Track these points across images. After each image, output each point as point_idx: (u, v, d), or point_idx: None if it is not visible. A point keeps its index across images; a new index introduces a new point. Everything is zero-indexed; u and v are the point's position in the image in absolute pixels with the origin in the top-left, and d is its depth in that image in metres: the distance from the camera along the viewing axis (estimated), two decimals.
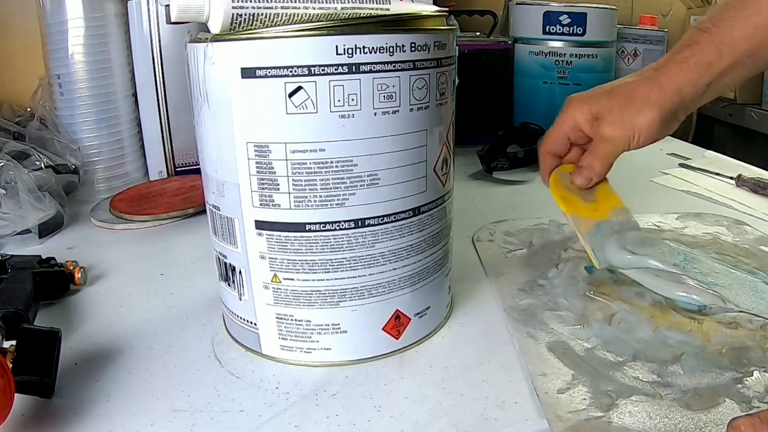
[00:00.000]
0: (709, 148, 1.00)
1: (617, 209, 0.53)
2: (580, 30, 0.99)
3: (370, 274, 0.42)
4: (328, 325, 0.43)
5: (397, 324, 0.45)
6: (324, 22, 0.38)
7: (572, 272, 0.56)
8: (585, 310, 0.50)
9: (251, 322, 0.45)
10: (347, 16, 0.39)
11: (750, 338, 0.45)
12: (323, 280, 0.42)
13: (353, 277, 0.42)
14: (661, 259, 0.50)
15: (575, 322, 0.48)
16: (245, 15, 0.37)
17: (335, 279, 0.42)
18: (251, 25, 0.38)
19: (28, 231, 0.66)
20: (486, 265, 0.59)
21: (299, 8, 0.38)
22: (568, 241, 0.63)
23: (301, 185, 0.39)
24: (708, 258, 0.51)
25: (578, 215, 0.51)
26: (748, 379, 0.41)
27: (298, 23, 0.38)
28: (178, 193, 0.79)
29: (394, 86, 0.39)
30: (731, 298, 0.48)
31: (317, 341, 0.43)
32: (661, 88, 0.49)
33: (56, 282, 0.55)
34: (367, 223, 0.41)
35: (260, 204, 0.40)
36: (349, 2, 0.39)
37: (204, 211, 0.52)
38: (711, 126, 1.42)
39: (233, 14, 0.37)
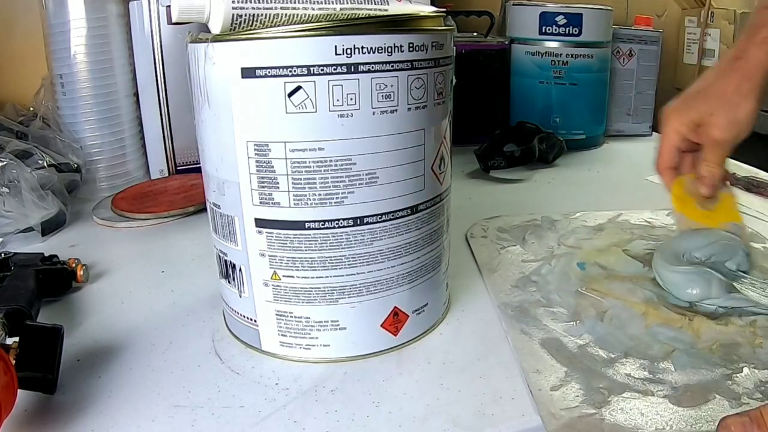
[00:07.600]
0: None
1: (732, 224, 0.54)
2: (576, 30, 0.99)
3: (368, 272, 0.43)
4: (327, 321, 0.43)
5: (395, 321, 0.45)
6: (323, 23, 0.39)
7: (565, 269, 0.57)
8: (577, 306, 0.50)
9: (251, 319, 0.45)
10: (346, 16, 0.40)
11: (739, 334, 0.46)
12: (322, 277, 0.42)
13: (352, 274, 0.42)
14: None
15: (568, 319, 0.49)
16: (245, 15, 0.38)
17: (334, 276, 0.42)
18: (251, 26, 0.38)
19: (30, 229, 0.66)
20: (479, 262, 0.59)
21: (299, 9, 0.39)
22: (560, 238, 0.63)
23: (301, 184, 0.40)
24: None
25: (686, 216, 0.52)
26: (737, 375, 0.41)
27: (298, 23, 0.38)
28: (179, 191, 0.79)
29: (392, 86, 0.39)
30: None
31: (316, 338, 0.44)
32: (750, 77, 0.51)
33: (59, 279, 0.55)
34: (365, 221, 0.41)
35: (260, 202, 0.41)
36: (347, 3, 0.40)
37: (205, 210, 0.53)
38: None
39: (233, 15, 0.37)
